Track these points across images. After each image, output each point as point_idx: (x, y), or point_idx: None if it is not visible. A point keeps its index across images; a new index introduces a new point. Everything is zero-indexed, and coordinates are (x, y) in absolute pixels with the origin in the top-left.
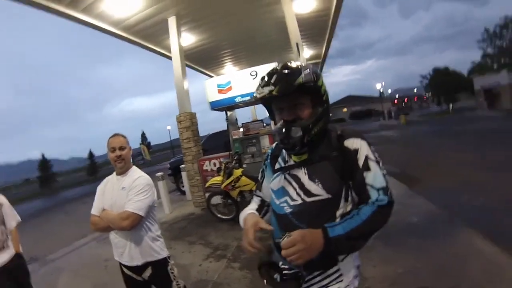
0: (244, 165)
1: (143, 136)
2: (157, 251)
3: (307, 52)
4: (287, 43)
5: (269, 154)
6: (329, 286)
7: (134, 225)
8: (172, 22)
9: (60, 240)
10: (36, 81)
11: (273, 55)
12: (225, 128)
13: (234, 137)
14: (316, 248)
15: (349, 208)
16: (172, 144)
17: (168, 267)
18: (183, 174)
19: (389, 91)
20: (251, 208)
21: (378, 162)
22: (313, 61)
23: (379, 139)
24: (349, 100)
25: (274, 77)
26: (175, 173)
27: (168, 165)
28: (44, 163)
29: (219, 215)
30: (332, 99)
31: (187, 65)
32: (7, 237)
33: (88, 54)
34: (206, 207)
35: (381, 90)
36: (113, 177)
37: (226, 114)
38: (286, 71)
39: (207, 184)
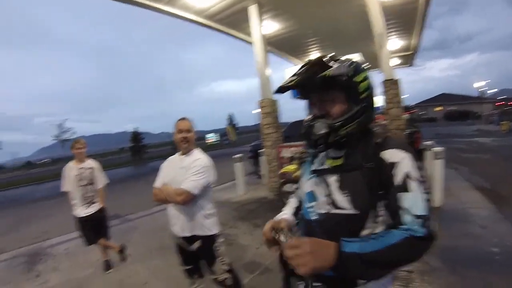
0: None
1: (230, 118)
2: (207, 227)
3: (394, 43)
4: (372, 33)
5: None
6: None
7: (186, 202)
8: (253, 10)
9: (139, 204)
10: (131, 63)
11: (358, 45)
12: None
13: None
14: (324, 259)
15: (378, 229)
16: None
17: (215, 244)
18: (262, 158)
19: (492, 91)
20: (286, 212)
21: (421, 183)
22: (402, 54)
23: (471, 145)
24: (443, 98)
25: (302, 68)
26: (255, 156)
27: (250, 147)
28: (136, 135)
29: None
30: (424, 96)
31: (272, 52)
32: (96, 194)
33: (177, 38)
34: (279, 193)
35: (482, 90)
36: (176, 156)
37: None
38: (316, 62)
39: (281, 171)
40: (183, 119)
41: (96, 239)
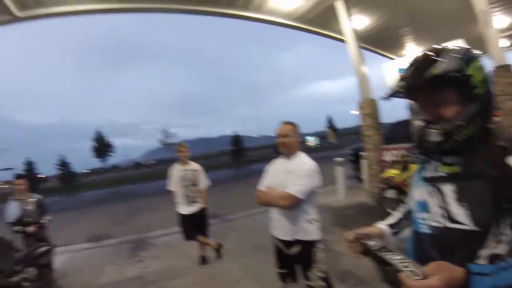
0: None
1: (329, 120)
2: (308, 232)
3: (501, 21)
4: (472, 11)
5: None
6: None
7: (291, 205)
8: (339, 6)
9: (239, 205)
10: (228, 70)
11: (458, 30)
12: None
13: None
14: None
15: (499, 250)
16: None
17: (315, 250)
18: (363, 161)
19: None
20: (386, 222)
21: None
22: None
23: None
24: None
25: (409, 68)
26: (355, 159)
27: (350, 150)
28: (236, 138)
29: (389, 210)
30: None
31: (364, 48)
32: (198, 195)
33: (267, 44)
34: (379, 199)
35: None
36: (281, 159)
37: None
38: (419, 60)
39: (383, 176)
40: (283, 123)
41: (195, 235)
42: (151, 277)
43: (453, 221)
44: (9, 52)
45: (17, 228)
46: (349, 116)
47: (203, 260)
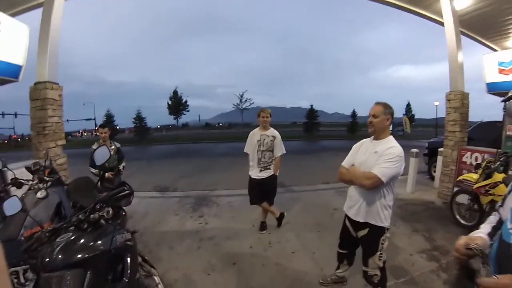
0: (511, 171)
1: (408, 107)
2: (381, 218)
3: None
4: None
5: None
6: None
7: (373, 187)
8: None
9: (307, 179)
10: (306, 46)
11: None
12: (501, 118)
13: (508, 132)
14: None
15: None
16: (437, 123)
17: (382, 237)
18: (439, 158)
19: None
20: (483, 231)
21: None
22: None
23: None
24: None
25: None
26: (431, 154)
27: (427, 144)
28: (312, 112)
29: (457, 217)
30: None
31: (462, 33)
32: (272, 162)
33: (347, 21)
34: (449, 202)
35: None
36: (369, 140)
37: (505, 102)
38: None
39: (459, 178)
40: (376, 103)
41: (260, 201)
42: (208, 233)
43: None
44: (98, 21)
45: (98, 171)
46: (429, 107)
47: (263, 227)
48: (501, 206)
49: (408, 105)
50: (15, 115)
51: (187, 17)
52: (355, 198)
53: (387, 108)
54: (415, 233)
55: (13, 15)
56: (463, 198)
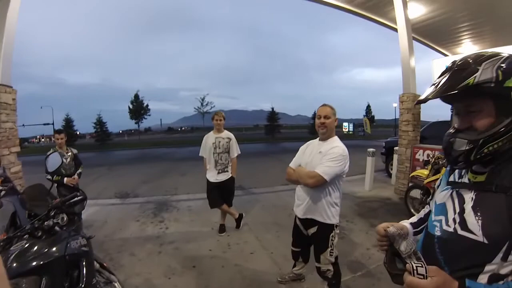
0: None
1: (368, 108)
2: (328, 215)
3: None
4: None
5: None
6: None
7: (317, 185)
8: None
9: (266, 180)
10: (272, 46)
11: None
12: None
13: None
14: None
15: (505, 270)
16: (396, 123)
17: (331, 234)
18: (395, 156)
19: None
20: (408, 220)
21: None
22: None
23: None
24: None
25: (445, 73)
26: (388, 153)
27: (384, 143)
28: (273, 115)
29: (412, 210)
30: None
31: (415, 39)
32: (229, 164)
33: (314, 23)
34: (404, 197)
35: None
36: (315, 141)
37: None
38: (457, 65)
39: (412, 174)
40: (324, 105)
41: (220, 203)
42: (169, 237)
43: (465, 229)
44: (55, 18)
45: (54, 178)
46: (388, 108)
47: (222, 229)
48: (431, 199)
49: (368, 106)
50: None
51: (152, 15)
52: (302, 197)
53: (334, 110)
54: (372, 228)
55: None
56: (416, 193)
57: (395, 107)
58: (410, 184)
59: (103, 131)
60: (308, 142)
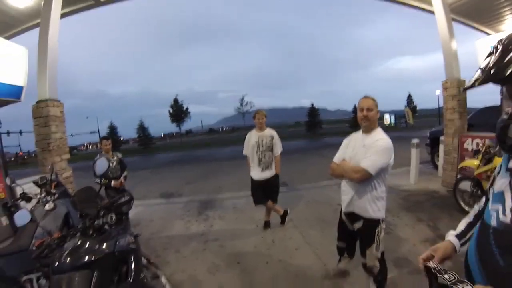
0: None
1: (409, 98)
2: (374, 210)
3: None
4: None
5: None
6: None
7: (362, 179)
8: None
9: (310, 176)
10: (304, 46)
11: None
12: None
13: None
14: None
15: None
16: (440, 112)
17: (377, 229)
18: (441, 147)
19: None
20: (456, 232)
21: None
22: None
23: None
24: None
25: (490, 56)
26: (433, 144)
27: (428, 133)
28: (313, 111)
29: (462, 204)
30: None
31: (454, 20)
32: (272, 161)
33: (343, 20)
34: (453, 190)
35: None
36: (358, 134)
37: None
38: (503, 47)
39: (460, 165)
40: (366, 97)
41: (264, 200)
42: (213, 235)
43: None
44: (96, 35)
45: (102, 181)
46: (431, 97)
47: (266, 226)
48: (490, 186)
49: (409, 96)
50: (20, 132)
51: (186, 26)
52: (347, 192)
53: (376, 101)
54: (419, 223)
55: (10, 37)
56: (466, 185)
57: (438, 95)
58: (459, 176)
59: (145, 135)
60: (351, 136)
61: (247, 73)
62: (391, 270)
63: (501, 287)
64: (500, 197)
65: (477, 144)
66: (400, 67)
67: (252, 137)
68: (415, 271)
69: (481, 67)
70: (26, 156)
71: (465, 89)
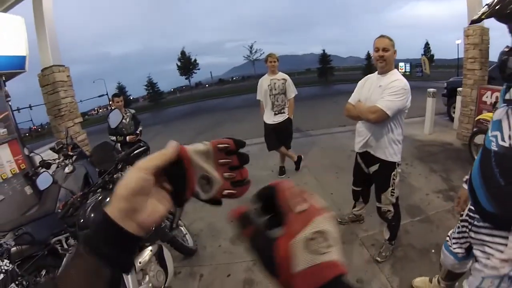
0: None
1: (426, 47)
2: (390, 153)
3: None
4: None
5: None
6: (487, 244)
7: (378, 120)
8: None
9: (322, 122)
10: None
11: None
12: None
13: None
14: None
15: None
16: (459, 63)
17: (393, 172)
18: (458, 98)
19: None
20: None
21: None
22: None
23: None
24: None
25: None
26: (450, 95)
27: (445, 83)
28: (325, 57)
29: (475, 157)
30: None
31: None
32: (285, 105)
33: None
34: (468, 143)
35: None
36: (374, 75)
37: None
38: None
39: (478, 118)
40: (381, 36)
41: (278, 146)
42: None
43: None
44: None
45: (118, 138)
46: (450, 46)
47: (282, 171)
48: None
49: (427, 44)
50: (30, 107)
51: None
52: (363, 133)
53: (392, 41)
54: (432, 173)
55: (4, 10)
56: (481, 139)
57: (457, 44)
58: (475, 129)
59: (154, 91)
60: (366, 77)
61: (254, 20)
62: (404, 217)
63: (503, 204)
64: (498, 125)
65: (497, 97)
66: (416, 13)
67: (264, 81)
68: (427, 219)
69: (488, 3)
70: (39, 129)
71: (473, 21)
